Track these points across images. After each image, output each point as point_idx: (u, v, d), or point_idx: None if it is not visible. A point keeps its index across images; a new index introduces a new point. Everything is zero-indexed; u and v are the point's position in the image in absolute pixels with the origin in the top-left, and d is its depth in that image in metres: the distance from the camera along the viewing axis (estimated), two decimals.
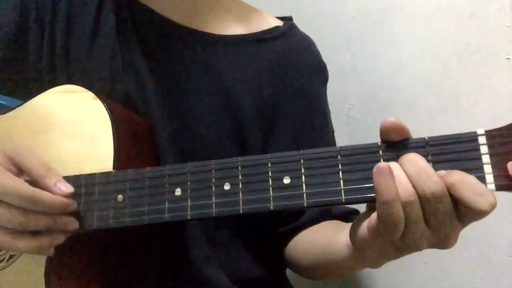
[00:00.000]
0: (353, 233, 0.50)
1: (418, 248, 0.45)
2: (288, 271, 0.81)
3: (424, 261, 0.84)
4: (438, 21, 0.81)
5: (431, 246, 0.46)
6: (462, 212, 0.43)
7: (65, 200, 0.54)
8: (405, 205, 0.43)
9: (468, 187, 0.41)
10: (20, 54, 0.73)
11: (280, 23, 0.80)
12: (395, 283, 0.90)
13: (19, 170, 0.55)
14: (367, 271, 0.95)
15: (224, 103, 0.72)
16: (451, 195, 0.42)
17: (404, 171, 0.43)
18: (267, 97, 0.74)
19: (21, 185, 0.52)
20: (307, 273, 0.75)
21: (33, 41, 0.72)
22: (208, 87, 0.72)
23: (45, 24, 0.72)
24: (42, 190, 0.53)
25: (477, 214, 0.42)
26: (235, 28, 0.76)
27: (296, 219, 0.73)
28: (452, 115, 0.80)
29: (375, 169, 0.43)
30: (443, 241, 0.45)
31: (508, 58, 0.72)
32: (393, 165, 0.44)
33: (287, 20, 0.81)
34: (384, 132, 0.46)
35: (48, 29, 0.72)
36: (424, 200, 0.43)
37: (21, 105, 0.67)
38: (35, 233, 0.53)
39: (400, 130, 0.46)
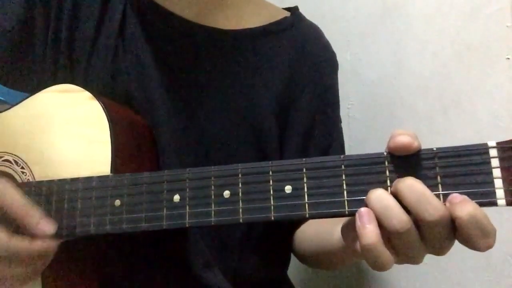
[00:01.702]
0: (344, 232, 0.49)
1: (414, 262, 0.45)
2: (288, 272, 0.81)
3: (424, 261, 0.84)
4: (438, 21, 0.81)
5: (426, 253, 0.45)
6: (459, 236, 0.42)
7: (43, 245, 0.52)
8: (400, 235, 0.42)
9: (475, 226, 0.40)
10: (26, 48, 0.72)
11: (287, 13, 0.79)
12: (394, 282, 0.90)
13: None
14: (366, 271, 0.95)
15: (239, 100, 0.71)
16: (454, 221, 0.41)
17: (402, 197, 0.42)
18: (281, 90, 0.73)
19: None
20: (310, 262, 0.75)
21: (38, 36, 0.71)
22: (222, 84, 0.71)
23: (50, 19, 0.71)
24: (18, 240, 0.50)
25: (471, 248, 0.41)
26: (246, 23, 0.75)
27: None
28: (452, 115, 0.79)
29: (357, 213, 0.43)
30: (439, 251, 0.44)
31: (508, 58, 0.72)
32: (384, 194, 0.42)
33: (294, 10, 0.81)
34: (394, 150, 0.44)
35: (53, 24, 0.71)
36: (423, 224, 0.42)
37: (18, 103, 0.66)
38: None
39: (413, 150, 0.44)
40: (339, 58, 0.82)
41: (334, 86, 0.80)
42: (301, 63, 0.75)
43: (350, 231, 0.47)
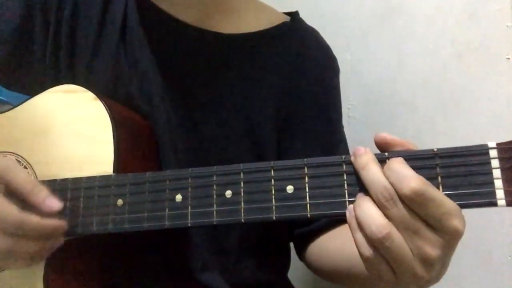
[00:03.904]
0: None
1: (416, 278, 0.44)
2: (290, 273, 0.81)
3: None
4: (438, 21, 0.81)
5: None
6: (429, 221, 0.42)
7: (53, 223, 0.52)
8: (382, 242, 0.41)
9: (426, 202, 0.41)
10: (26, 49, 0.72)
11: (287, 18, 0.79)
12: None
13: (6, 185, 0.53)
14: None
15: (238, 103, 0.71)
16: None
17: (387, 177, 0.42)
18: (282, 94, 0.73)
19: (9, 211, 0.50)
20: (331, 279, 0.74)
21: (38, 37, 0.72)
22: (221, 88, 0.71)
23: (50, 20, 0.71)
24: (29, 215, 0.51)
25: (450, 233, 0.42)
26: (245, 27, 0.75)
27: (313, 221, 0.72)
28: (452, 115, 0.79)
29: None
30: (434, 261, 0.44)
31: (508, 58, 0.72)
32: (363, 201, 0.43)
33: (294, 15, 0.80)
34: (378, 147, 0.46)
35: (53, 25, 0.71)
36: (410, 202, 0.41)
37: (21, 104, 0.66)
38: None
39: (389, 139, 0.45)
40: (339, 58, 0.82)
41: (335, 88, 0.80)
42: (301, 68, 0.75)
43: None
